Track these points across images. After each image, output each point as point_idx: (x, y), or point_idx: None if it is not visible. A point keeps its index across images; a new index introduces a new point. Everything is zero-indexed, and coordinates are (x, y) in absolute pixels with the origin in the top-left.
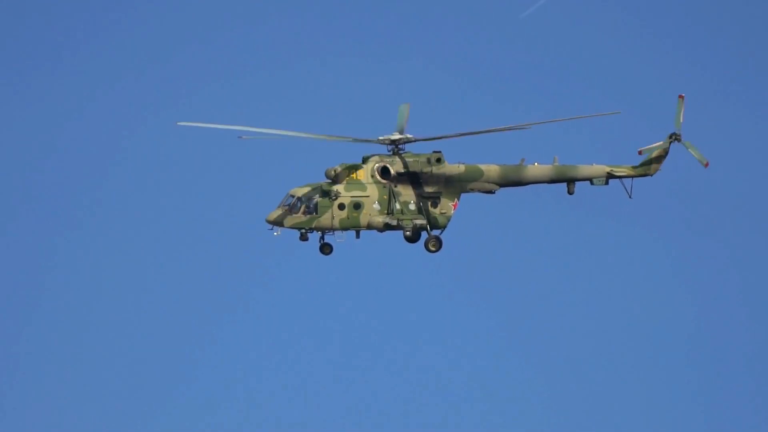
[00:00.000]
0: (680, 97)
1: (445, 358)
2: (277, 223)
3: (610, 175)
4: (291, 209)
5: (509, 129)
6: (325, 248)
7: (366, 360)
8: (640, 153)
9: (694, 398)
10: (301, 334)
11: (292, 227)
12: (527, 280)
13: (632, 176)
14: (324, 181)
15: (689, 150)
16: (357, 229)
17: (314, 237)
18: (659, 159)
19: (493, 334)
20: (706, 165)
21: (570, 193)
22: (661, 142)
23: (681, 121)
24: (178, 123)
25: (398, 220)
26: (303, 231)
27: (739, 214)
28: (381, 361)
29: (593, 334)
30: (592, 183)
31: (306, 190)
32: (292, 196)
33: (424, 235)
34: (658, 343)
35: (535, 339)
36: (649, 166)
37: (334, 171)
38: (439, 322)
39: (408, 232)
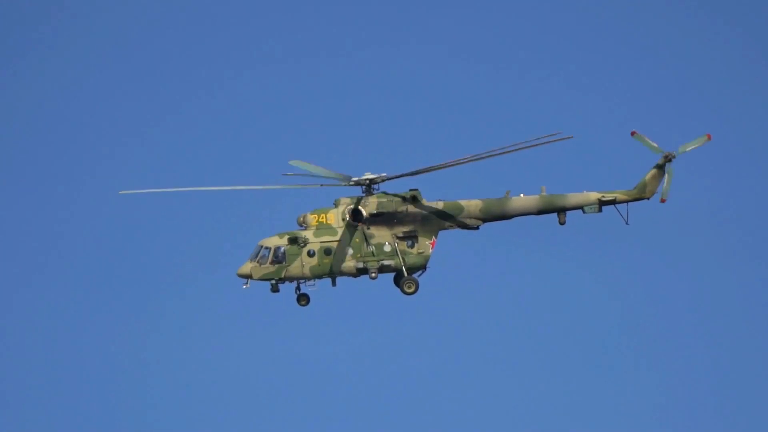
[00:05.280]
0: (632, 134)
1: (437, 407)
2: (248, 275)
3: (602, 202)
4: (260, 260)
5: (483, 157)
6: (302, 299)
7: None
8: (633, 134)
9: None
10: (284, 392)
11: (261, 279)
12: (517, 321)
13: (627, 201)
14: (296, 229)
15: (665, 175)
16: (330, 276)
17: (289, 288)
18: (654, 179)
19: (481, 382)
20: (662, 201)
21: (561, 223)
22: (656, 145)
23: (655, 146)
24: (121, 192)
25: (364, 262)
26: (273, 282)
27: (745, 234)
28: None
29: (594, 381)
30: (584, 211)
31: (275, 239)
32: (261, 247)
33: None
34: (665, 384)
35: (530, 387)
36: (644, 188)
37: (303, 217)
38: (422, 368)
39: (374, 274)
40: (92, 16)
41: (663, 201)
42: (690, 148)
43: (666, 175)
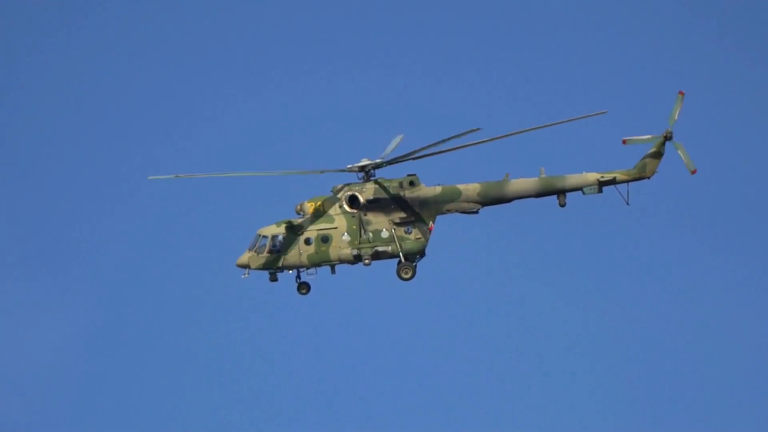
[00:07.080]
0: (680, 93)
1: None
2: (247, 265)
3: (602, 183)
4: (257, 249)
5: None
6: (302, 288)
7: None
8: (624, 143)
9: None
10: (286, 381)
11: (259, 268)
12: (517, 305)
13: (627, 181)
14: (294, 217)
15: (678, 151)
16: (327, 263)
17: (290, 277)
18: (654, 159)
19: (480, 368)
20: (693, 172)
21: (561, 205)
22: (650, 136)
23: (675, 118)
24: (149, 177)
25: (360, 249)
26: (272, 271)
27: (743, 215)
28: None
29: (600, 364)
30: (584, 193)
31: (273, 228)
32: (260, 236)
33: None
34: (667, 368)
35: (530, 373)
36: (644, 168)
37: (301, 205)
38: (422, 355)
39: (367, 261)
40: (97, 14)
41: (694, 172)
42: (676, 115)
43: (678, 151)
